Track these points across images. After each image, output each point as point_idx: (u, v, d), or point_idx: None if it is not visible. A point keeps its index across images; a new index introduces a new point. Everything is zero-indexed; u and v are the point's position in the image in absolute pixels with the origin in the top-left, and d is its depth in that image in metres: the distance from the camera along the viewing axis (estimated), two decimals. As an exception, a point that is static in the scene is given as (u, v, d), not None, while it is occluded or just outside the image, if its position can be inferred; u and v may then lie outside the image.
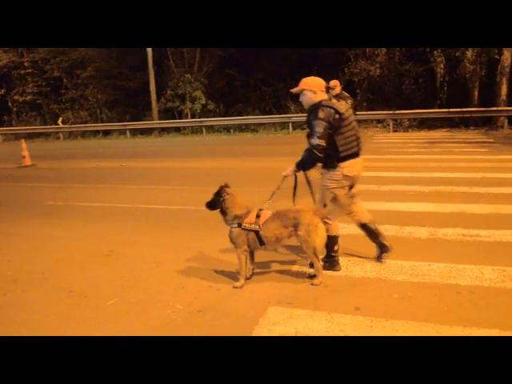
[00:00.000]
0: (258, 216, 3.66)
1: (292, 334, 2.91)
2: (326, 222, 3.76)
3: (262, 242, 3.67)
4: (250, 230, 3.64)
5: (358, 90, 18.66)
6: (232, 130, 19.06)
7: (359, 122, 16.62)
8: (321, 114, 3.58)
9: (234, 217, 3.68)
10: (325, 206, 3.86)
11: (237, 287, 3.64)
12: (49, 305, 3.60)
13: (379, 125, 16.45)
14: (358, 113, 16.51)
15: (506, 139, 12.21)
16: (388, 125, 15.86)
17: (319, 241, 3.60)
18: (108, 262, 4.48)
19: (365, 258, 4.09)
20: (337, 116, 3.61)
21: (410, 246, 4.37)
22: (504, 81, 15.36)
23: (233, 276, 3.90)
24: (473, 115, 15.00)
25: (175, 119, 21.42)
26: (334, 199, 3.80)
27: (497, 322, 2.89)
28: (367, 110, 17.14)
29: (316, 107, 3.67)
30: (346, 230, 4.92)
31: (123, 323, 3.22)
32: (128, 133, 20.92)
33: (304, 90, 3.74)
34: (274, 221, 3.65)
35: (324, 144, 3.57)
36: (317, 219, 3.62)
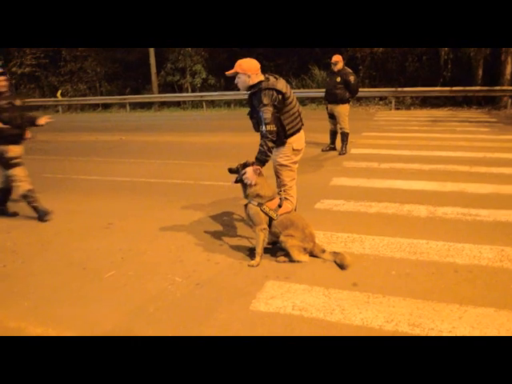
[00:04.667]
0: (279, 205, 3.63)
1: (289, 308, 2.92)
2: (287, 199, 3.82)
3: (269, 228, 3.64)
4: (266, 214, 3.60)
5: (361, 67, 18.39)
6: (232, 105, 18.87)
7: (361, 98, 16.47)
8: (265, 100, 3.60)
9: (256, 195, 3.62)
10: (283, 185, 3.97)
11: (253, 266, 3.57)
12: (48, 276, 3.61)
13: (381, 102, 16.24)
14: (359, 89, 16.44)
15: (508, 119, 12.08)
16: (390, 102, 15.67)
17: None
18: (107, 235, 4.48)
19: (363, 234, 4.08)
20: (280, 96, 3.65)
21: (409, 223, 4.37)
22: (509, 60, 15.08)
23: (231, 250, 3.91)
24: (476, 94, 14.81)
25: (175, 93, 21.15)
26: (289, 174, 3.93)
27: (493, 301, 2.91)
28: (369, 87, 16.92)
29: (258, 90, 3.66)
30: (346, 206, 4.93)
31: (121, 295, 3.23)
32: (127, 106, 20.69)
33: (238, 72, 3.73)
34: (289, 219, 3.62)
35: (274, 128, 3.63)
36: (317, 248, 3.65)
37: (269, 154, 3.64)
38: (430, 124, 11.35)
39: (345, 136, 7.78)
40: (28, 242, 4.37)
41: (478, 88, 14.98)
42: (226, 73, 3.88)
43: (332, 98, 7.75)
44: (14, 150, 4.75)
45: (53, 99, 23.06)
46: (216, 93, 19.30)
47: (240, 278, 3.40)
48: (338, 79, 7.54)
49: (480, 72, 16.14)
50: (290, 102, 3.77)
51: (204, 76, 21.02)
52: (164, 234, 4.41)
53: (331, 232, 4.17)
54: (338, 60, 7.54)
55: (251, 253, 3.72)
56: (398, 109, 15.36)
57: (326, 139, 8.23)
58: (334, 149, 8.03)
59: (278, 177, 3.96)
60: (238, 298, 3.10)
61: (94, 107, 22.56)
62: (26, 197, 4.92)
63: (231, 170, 3.77)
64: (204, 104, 19.08)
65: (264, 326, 2.75)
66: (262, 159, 3.62)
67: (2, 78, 4.67)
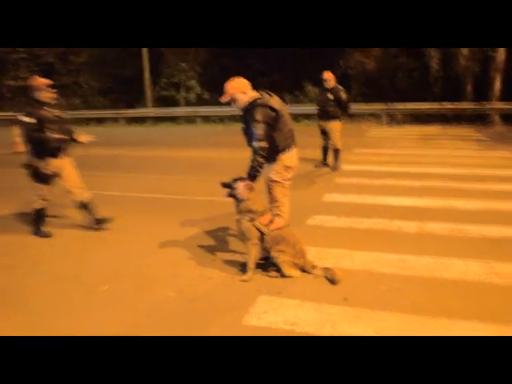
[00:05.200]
0: (271, 221, 3.69)
1: (281, 323, 2.98)
2: (278, 215, 3.89)
3: (261, 243, 3.69)
4: (258, 230, 3.66)
5: (353, 84, 18.68)
6: (226, 120, 19.01)
7: (353, 115, 16.66)
8: (258, 116, 3.67)
9: (248, 210, 3.68)
10: (275, 201, 4.02)
11: (245, 280, 3.62)
12: (42, 289, 3.66)
13: (373, 118, 16.47)
14: (352, 107, 16.63)
15: (497, 136, 12.32)
16: (382, 119, 15.92)
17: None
18: (103, 249, 4.53)
19: (354, 250, 4.16)
20: (273, 114, 3.74)
21: (399, 239, 4.45)
22: (498, 77, 15.45)
23: (224, 265, 3.97)
24: (465, 112, 15.10)
25: (170, 108, 21.28)
26: (281, 190, 3.98)
27: (478, 314, 2.98)
28: (362, 104, 17.14)
29: (252, 106, 3.74)
30: (337, 222, 5.01)
31: (115, 309, 3.28)
32: (122, 121, 20.79)
33: (234, 94, 3.81)
34: (280, 235, 3.69)
35: (265, 145, 3.72)
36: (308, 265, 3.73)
37: (259, 169, 3.73)
38: (421, 140, 11.54)
39: (337, 152, 7.91)
40: (23, 256, 4.41)
41: (466, 105, 15.27)
42: (221, 99, 3.90)
43: (324, 115, 7.90)
44: (52, 164, 4.73)
45: (47, 113, 23.09)
46: (210, 107, 19.41)
47: (233, 293, 3.46)
48: (330, 96, 7.69)
49: (469, 88, 16.46)
50: (284, 120, 3.84)
51: (198, 91, 21.23)
52: (158, 248, 4.46)
53: (322, 248, 4.24)
54: (329, 77, 7.70)
55: (243, 267, 3.77)
56: (389, 125, 15.58)
57: (319, 155, 8.34)
58: (326, 165, 8.15)
59: (270, 193, 4.03)
60: (230, 312, 3.16)
61: (87, 121, 22.63)
62: (36, 213, 4.95)
63: (224, 185, 3.83)
64: (199, 119, 19.21)
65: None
66: (252, 174, 3.71)
67: (50, 89, 4.68)
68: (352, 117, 16.72)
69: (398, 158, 8.81)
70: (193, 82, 21.21)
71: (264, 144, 3.70)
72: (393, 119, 16.08)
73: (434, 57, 16.61)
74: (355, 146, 10.35)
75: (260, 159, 3.69)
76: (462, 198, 5.75)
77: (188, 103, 21.19)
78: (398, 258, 3.97)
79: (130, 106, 22.50)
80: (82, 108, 23.83)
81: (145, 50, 20.83)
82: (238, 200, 3.73)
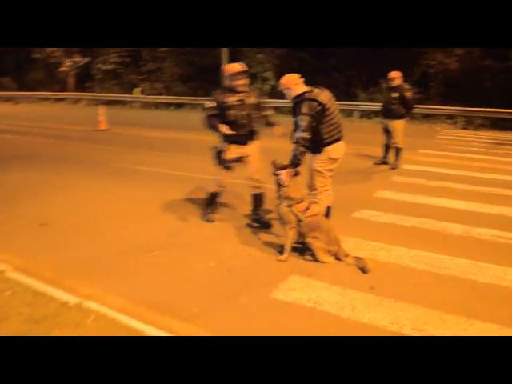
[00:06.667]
0: (307, 208, 3.94)
1: (304, 300, 3.23)
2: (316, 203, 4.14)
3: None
4: (295, 215, 3.91)
5: (433, 83, 18.03)
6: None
7: (428, 115, 16.16)
8: (304, 109, 3.92)
9: (286, 196, 3.97)
10: (313, 189, 4.26)
11: (281, 260, 3.90)
12: (99, 250, 4.20)
13: (449, 120, 15.84)
14: (426, 106, 16.12)
15: None
16: (457, 121, 15.27)
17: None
18: (157, 220, 5.03)
19: (392, 244, 4.26)
20: (319, 108, 3.95)
21: (440, 239, 4.47)
22: None
23: (265, 245, 4.27)
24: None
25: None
26: (321, 180, 4.21)
27: (501, 319, 3.00)
28: (440, 104, 16.53)
29: (301, 100, 3.98)
30: (383, 217, 5.10)
31: (160, 272, 3.72)
32: (198, 107, 21.68)
33: (283, 89, 4.17)
34: (315, 222, 3.91)
35: (308, 136, 3.94)
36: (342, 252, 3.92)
37: (300, 158, 3.97)
38: (492, 146, 11.00)
39: (398, 151, 7.86)
40: (88, 221, 5.03)
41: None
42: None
43: (388, 113, 7.88)
44: (232, 151, 4.56)
45: (130, 95, 24.66)
46: (281, 100, 19.64)
47: (267, 270, 3.75)
48: (395, 95, 7.65)
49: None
50: (330, 114, 4.06)
51: (273, 83, 21.57)
52: (208, 224, 4.89)
53: (362, 239, 4.39)
54: (395, 76, 7.66)
55: (282, 249, 4.04)
56: (464, 128, 14.92)
57: (381, 153, 8.33)
58: (386, 163, 8.12)
59: (310, 180, 4.26)
60: (261, 286, 3.45)
61: (167, 106, 23.81)
62: (210, 197, 4.89)
63: (275, 164, 4.12)
64: (269, 110, 19.54)
65: (278, 311, 3.09)
66: (294, 163, 3.98)
67: (242, 76, 4.48)
68: (427, 117, 16.24)
69: (462, 162, 8.54)
70: (268, 74, 21.58)
71: (306, 135, 3.94)
72: (469, 122, 15.35)
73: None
74: (421, 146, 10.14)
75: (302, 149, 3.94)
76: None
77: (262, 94, 21.59)
78: (434, 256, 4.02)
79: (208, 93, 23.31)
80: (164, 93, 25.13)
81: (224, 40, 21.43)
82: (279, 186, 4.00)
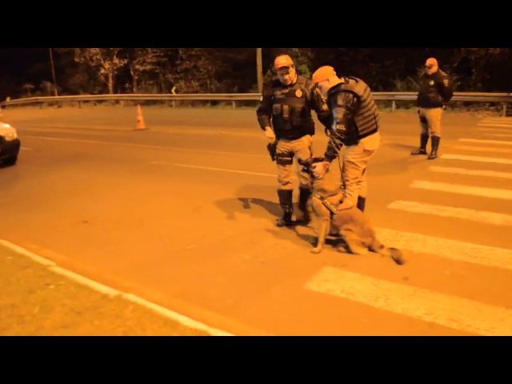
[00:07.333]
0: (340, 201, 3.96)
1: (338, 290, 3.25)
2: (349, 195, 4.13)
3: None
4: (327, 208, 3.94)
5: (474, 69, 17.39)
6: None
7: (470, 103, 15.61)
8: (340, 101, 3.87)
9: (320, 188, 3.99)
10: (345, 180, 4.24)
11: (314, 252, 3.94)
12: (141, 244, 4.37)
13: (492, 108, 15.24)
14: (467, 93, 15.58)
15: None
16: (501, 108, 14.67)
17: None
18: (195, 216, 5.16)
19: (427, 235, 4.20)
20: (355, 99, 3.90)
21: (480, 230, 4.36)
22: None
23: (299, 238, 4.31)
24: None
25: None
26: (353, 171, 4.18)
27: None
28: (482, 91, 15.93)
29: (336, 91, 3.93)
30: (419, 208, 5.02)
31: (196, 265, 3.83)
32: (234, 104, 21.85)
33: (317, 82, 4.06)
34: (348, 215, 3.92)
35: (343, 128, 3.90)
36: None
37: (336, 150, 3.96)
38: (541, 133, 10.53)
39: (435, 140, 7.67)
40: (129, 217, 5.22)
41: None
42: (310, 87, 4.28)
43: (424, 102, 7.69)
44: (280, 146, 4.55)
45: (167, 95, 25.19)
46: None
47: (301, 262, 3.79)
48: (431, 82, 7.46)
49: None
50: (366, 105, 4.02)
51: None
52: (244, 219, 4.97)
53: (396, 230, 4.34)
54: (432, 63, 7.47)
55: (316, 241, 4.07)
56: (509, 115, 14.31)
57: (418, 143, 8.16)
58: (423, 153, 7.95)
59: (343, 171, 4.26)
60: (295, 277, 3.50)
61: (203, 103, 24.14)
62: (278, 196, 4.76)
63: (301, 162, 4.19)
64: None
65: (311, 302, 3.13)
66: (329, 155, 3.96)
67: (286, 70, 4.29)
68: (469, 105, 15.69)
69: (505, 150, 8.21)
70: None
71: (342, 127, 3.91)
72: (514, 109, 14.72)
73: None
74: (462, 135, 9.84)
75: (337, 141, 3.92)
76: None
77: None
78: (472, 246, 3.93)
79: (243, 89, 23.48)
80: (200, 91, 25.51)
81: (258, 36, 21.46)
82: (313, 178, 4.02)
